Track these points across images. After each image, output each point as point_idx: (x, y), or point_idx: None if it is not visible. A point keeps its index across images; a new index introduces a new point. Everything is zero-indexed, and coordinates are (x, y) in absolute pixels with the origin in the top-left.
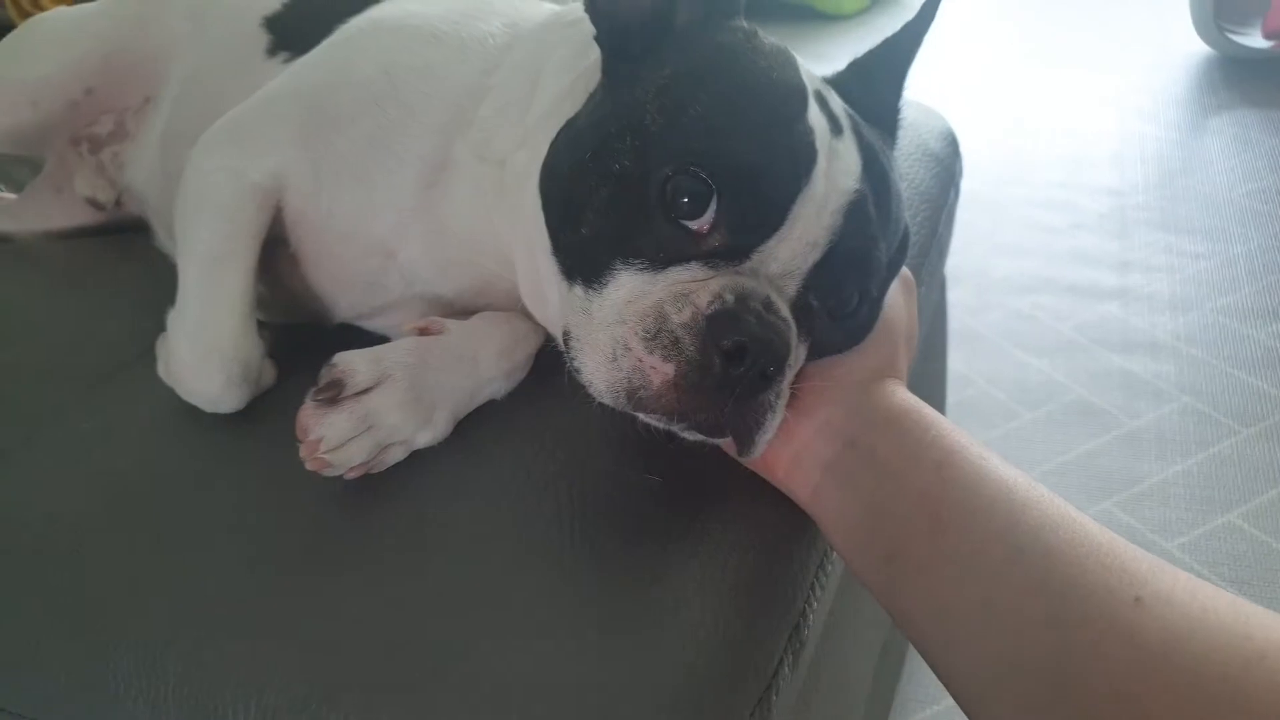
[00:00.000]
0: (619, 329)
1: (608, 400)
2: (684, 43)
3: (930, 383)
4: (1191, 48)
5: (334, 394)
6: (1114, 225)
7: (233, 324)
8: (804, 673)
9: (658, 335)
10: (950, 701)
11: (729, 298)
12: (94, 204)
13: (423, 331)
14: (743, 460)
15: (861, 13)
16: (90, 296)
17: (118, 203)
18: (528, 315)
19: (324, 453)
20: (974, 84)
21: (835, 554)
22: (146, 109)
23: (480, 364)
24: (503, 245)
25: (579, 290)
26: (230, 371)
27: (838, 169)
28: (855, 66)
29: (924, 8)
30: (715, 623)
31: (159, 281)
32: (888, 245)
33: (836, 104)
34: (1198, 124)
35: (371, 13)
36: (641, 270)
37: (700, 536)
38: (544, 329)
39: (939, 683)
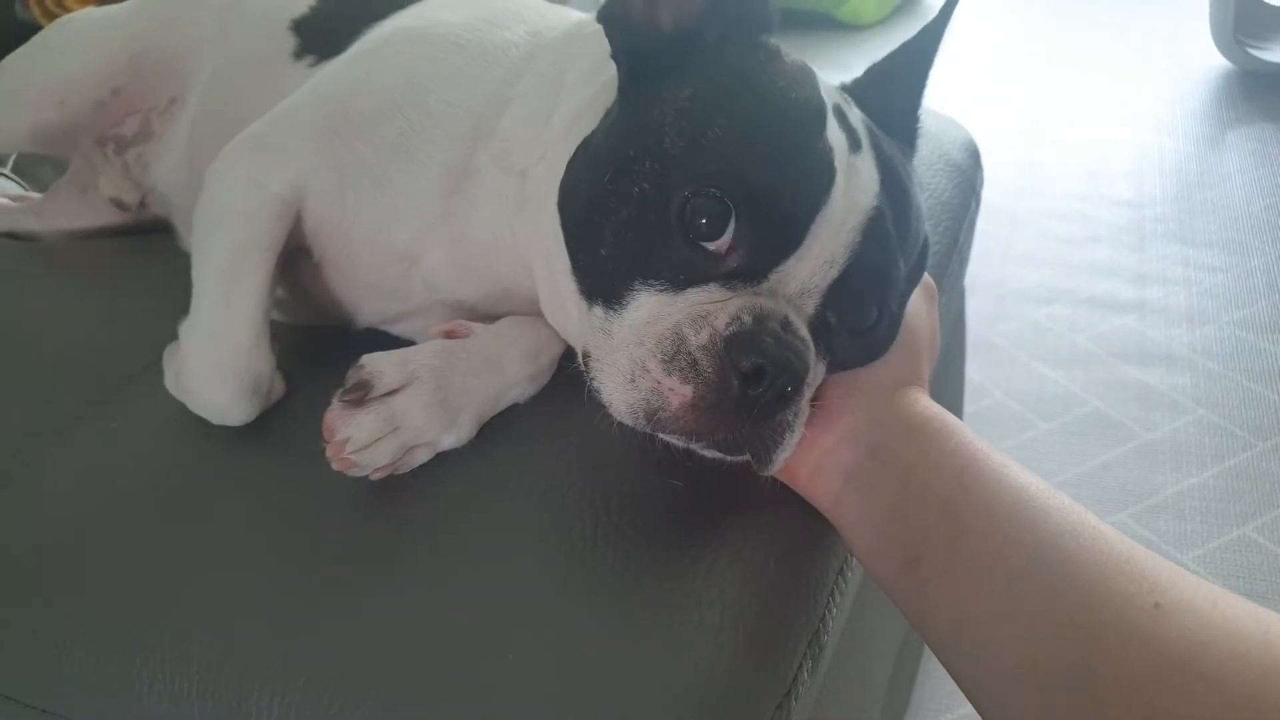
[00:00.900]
0: (637, 350)
1: (627, 420)
2: (706, 62)
3: (948, 393)
4: (1211, 61)
5: (361, 395)
6: (1132, 238)
7: (247, 336)
8: (822, 679)
9: (675, 357)
10: (963, 710)
11: (747, 319)
12: (119, 204)
13: (449, 335)
14: (761, 474)
15: (881, 23)
16: (115, 297)
17: (142, 204)
18: None
19: (350, 453)
20: (992, 95)
21: (855, 560)
22: (172, 110)
23: (505, 368)
24: (523, 254)
25: (598, 311)
26: (242, 384)
27: (856, 186)
28: (874, 73)
29: (941, 10)
30: (736, 627)
31: (183, 283)
32: (906, 259)
33: (855, 117)
34: (1216, 138)
35: (397, 20)
36: (660, 291)
37: (722, 541)
38: None
39: (952, 691)
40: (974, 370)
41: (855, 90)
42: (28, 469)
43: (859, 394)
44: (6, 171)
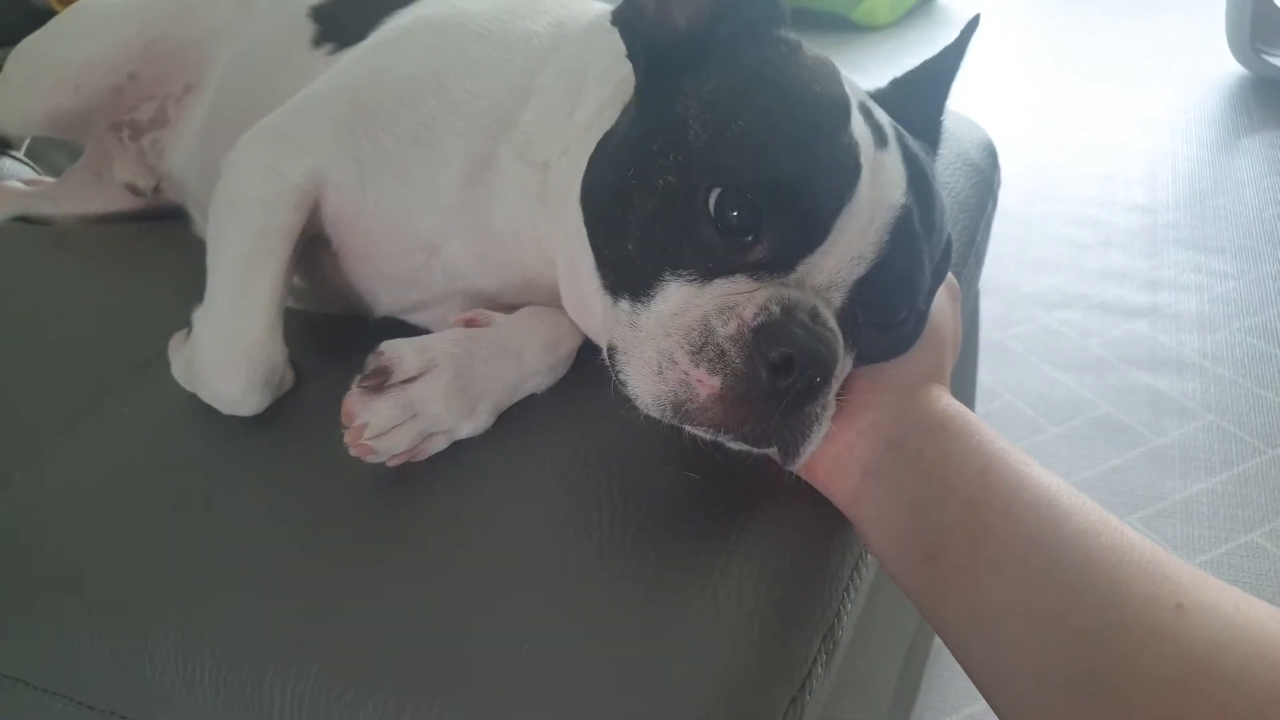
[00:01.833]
0: (664, 342)
1: (654, 413)
2: (726, 56)
3: (960, 394)
4: (1226, 68)
5: (380, 381)
6: (1144, 243)
7: (262, 327)
8: (835, 675)
9: (703, 348)
10: (970, 709)
11: (775, 309)
12: (133, 190)
13: (469, 323)
14: (786, 468)
15: (894, 24)
16: (129, 282)
17: (157, 189)
18: None
19: (368, 439)
20: (1007, 99)
21: (869, 556)
22: (188, 96)
23: (524, 357)
24: (545, 245)
25: (624, 305)
26: (255, 375)
27: (882, 182)
28: (897, 84)
29: (964, 29)
30: (751, 622)
31: (197, 270)
32: (932, 257)
33: (881, 116)
34: (1230, 144)
35: (418, 9)
36: (687, 283)
37: (739, 535)
38: None
39: (959, 690)
40: (985, 373)
41: (878, 98)
42: (39, 454)
43: (882, 389)
44: (20, 155)
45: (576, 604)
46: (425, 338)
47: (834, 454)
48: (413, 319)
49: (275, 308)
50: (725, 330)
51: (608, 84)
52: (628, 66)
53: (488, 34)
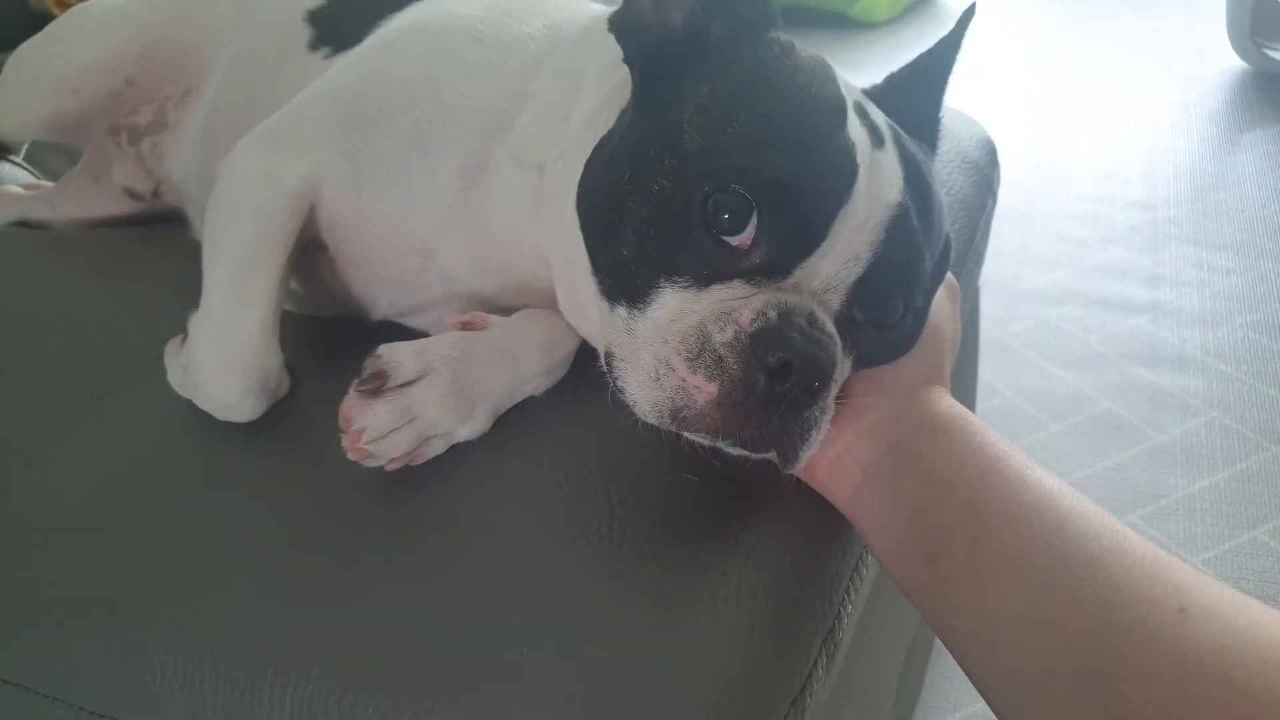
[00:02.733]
0: (662, 348)
1: (652, 420)
2: (720, 59)
3: (960, 392)
4: (1227, 63)
5: (377, 385)
6: (1145, 239)
7: (258, 333)
8: (836, 676)
9: (700, 354)
10: (970, 709)
11: (772, 314)
12: (131, 194)
13: (466, 326)
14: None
15: (893, 20)
16: (127, 286)
17: (155, 193)
18: None
19: (366, 443)
20: (1007, 96)
21: (869, 558)
22: (187, 100)
23: (522, 360)
24: (540, 248)
25: (621, 311)
26: (251, 381)
27: (879, 182)
28: (892, 80)
29: (959, 21)
30: (752, 623)
31: (195, 273)
32: (931, 256)
33: (877, 115)
34: (1231, 139)
35: (413, 12)
36: (684, 289)
37: (738, 537)
38: None
39: (959, 690)
40: (985, 370)
41: (874, 95)
42: (39, 457)
43: (882, 391)
44: (19, 160)
45: (576, 606)
46: (422, 341)
47: (834, 456)
48: (410, 322)
49: (271, 314)
50: (722, 336)
51: (604, 87)
52: (624, 70)
53: (483, 37)
